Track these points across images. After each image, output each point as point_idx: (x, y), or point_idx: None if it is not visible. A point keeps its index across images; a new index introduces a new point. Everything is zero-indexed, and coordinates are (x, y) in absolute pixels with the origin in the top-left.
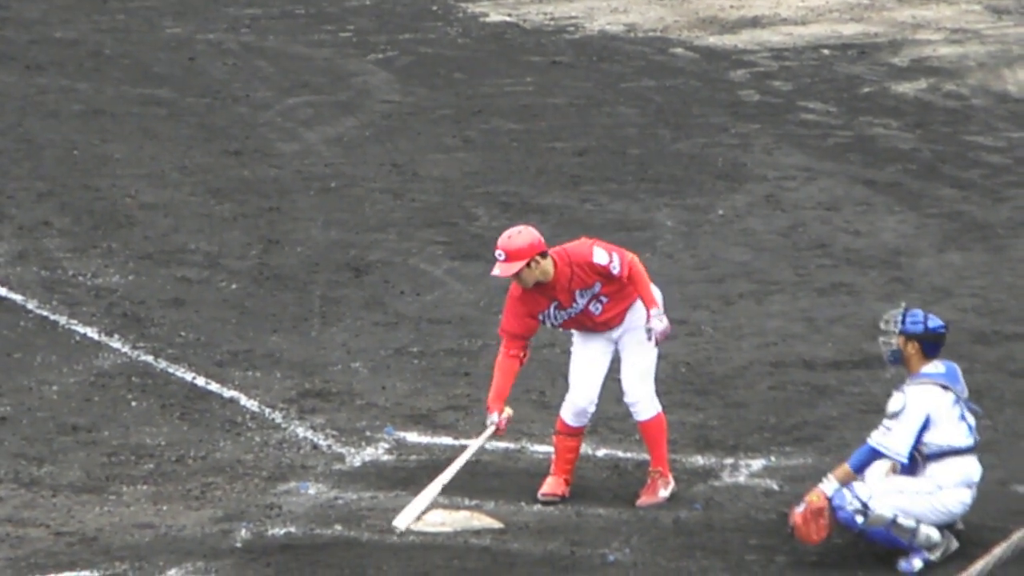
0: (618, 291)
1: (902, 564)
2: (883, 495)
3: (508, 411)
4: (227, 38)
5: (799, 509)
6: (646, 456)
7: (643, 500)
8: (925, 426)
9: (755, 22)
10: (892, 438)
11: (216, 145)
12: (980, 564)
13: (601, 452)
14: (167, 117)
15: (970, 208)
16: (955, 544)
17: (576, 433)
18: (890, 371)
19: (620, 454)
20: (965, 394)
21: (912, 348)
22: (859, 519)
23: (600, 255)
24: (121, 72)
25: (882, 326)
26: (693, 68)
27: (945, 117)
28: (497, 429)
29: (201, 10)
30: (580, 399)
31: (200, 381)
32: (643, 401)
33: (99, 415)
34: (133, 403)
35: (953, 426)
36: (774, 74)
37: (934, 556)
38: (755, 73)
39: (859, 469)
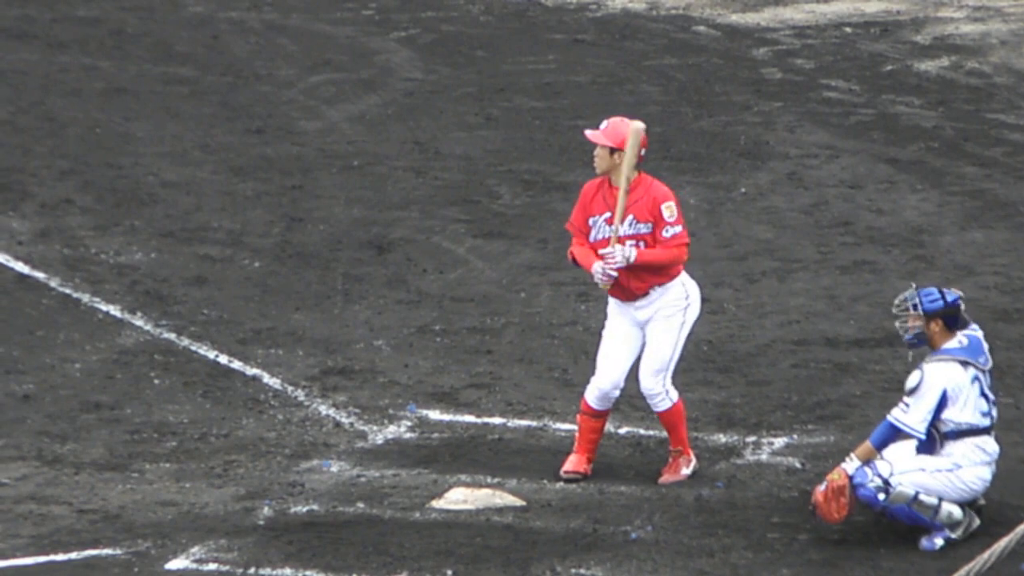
0: None
1: (924, 542)
2: (904, 472)
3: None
4: (250, 16)
5: (820, 488)
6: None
7: (665, 478)
8: (943, 403)
9: (777, 0)
10: (909, 415)
11: (239, 123)
12: (1003, 543)
13: (623, 430)
14: (189, 95)
15: (992, 186)
16: (977, 522)
17: (600, 415)
18: (911, 355)
19: (642, 432)
20: (989, 365)
21: (936, 326)
22: (881, 496)
23: (672, 209)
24: (143, 50)
25: (896, 311)
26: (715, 46)
27: (967, 95)
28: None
29: None
30: (604, 383)
31: (223, 359)
32: (659, 395)
33: (122, 393)
34: (156, 381)
35: (972, 404)
36: (796, 52)
37: (956, 534)
38: (777, 51)
39: (880, 446)
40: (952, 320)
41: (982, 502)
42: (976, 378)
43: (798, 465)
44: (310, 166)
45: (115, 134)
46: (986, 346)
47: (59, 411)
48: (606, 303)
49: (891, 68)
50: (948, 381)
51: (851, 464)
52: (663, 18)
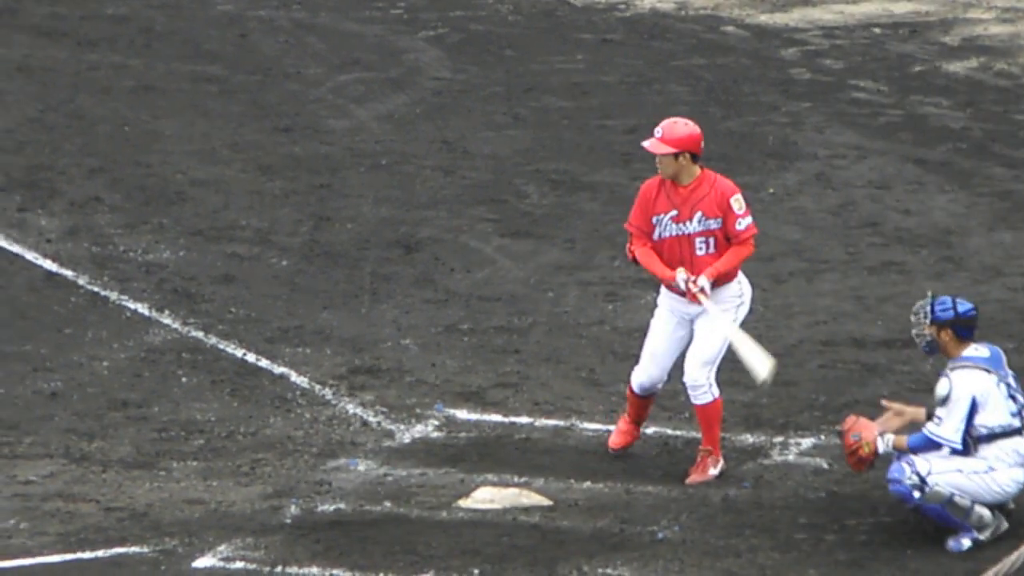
0: (723, 249)
1: (951, 543)
2: (941, 473)
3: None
4: (278, 15)
5: (850, 437)
6: (696, 434)
7: (693, 478)
8: (973, 409)
9: (806, 0)
10: (943, 426)
11: (267, 122)
12: None
13: (651, 430)
14: (218, 94)
15: (1021, 187)
16: (1005, 525)
17: (646, 398)
18: (930, 361)
19: (670, 432)
20: (1009, 378)
21: (946, 335)
22: (916, 494)
23: (740, 202)
24: (172, 48)
25: (913, 319)
26: (744, 46)
27: (996, 96)
28: (690, 288)
29: None
30: (646, 377)
31: (250, 357)
32: (702, 387)
33: (149, 391)
34: (183, 379)
35: (1001, 407)
36: (825, 52)
37: (983, 536)
38: (806, 51)
39: (914, 451)
40: (964, 331)
41: (1011, 505)
42: (1000, 381)
43: (825, 466)
44: (338, 165)
45: (144, 132)
46: (1005, 360)
47: (87, 409)
48: (656, 296)
49: (920, 69)
50: (976, 387)
51: (883, 443)
52: (692, 18)
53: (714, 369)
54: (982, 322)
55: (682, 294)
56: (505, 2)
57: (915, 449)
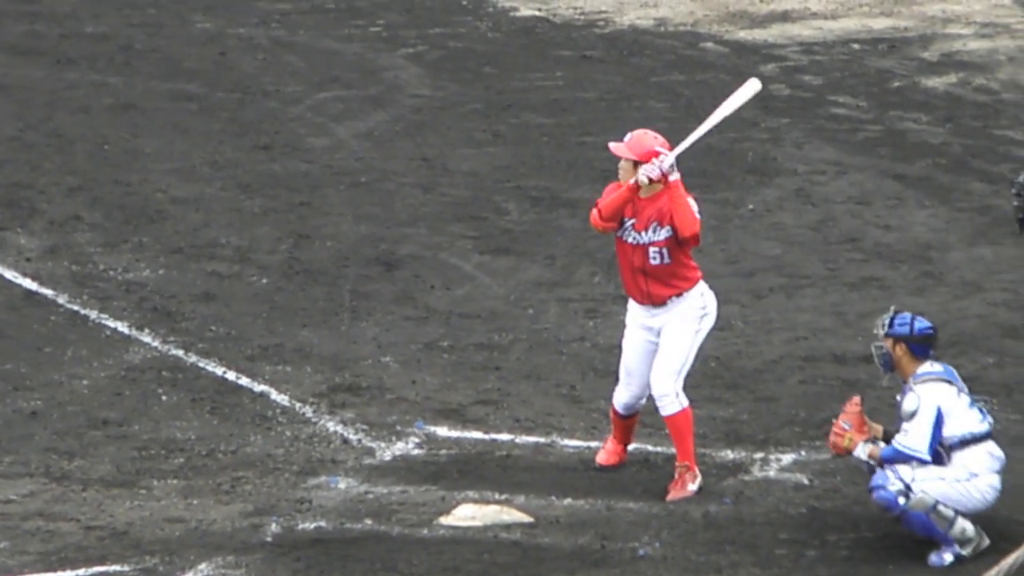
0: (678, 257)
1: (933, 558)
2: (925, 480)
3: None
4: (257, 33)
5: (843, 424)
6: (675, 450)
7: (672, 495)
8: (939, 421)
9: (785, 16)
10: (910, 437)
11: (246, 140)
12: (1010, 559)
13: (631, 446)
14: (197, 112)
15: (1000, 202)
16: (987, 541)
17: (629, 417)
18: (886, 379)
19: (650, 448)
20: (965, 391)
21: (900, 350)
22: (901, 500)
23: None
24: (152, 67)
25: (873, 331)
26: (723, 62)
27: (975, 111)
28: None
29: (231, 5)
30: (627, 395)
31: (231, 375)
32: (668, 396)
33: (130, 409)
34: (163, 397)
35: (967, 415)
36: (804, 68)
37: (966, 551)
38: (785, 67)
39: (886, 463)
40: (919, 348)
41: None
42: (960, 392)
43: (806, 481)
44: (318, 183)
45: (123, 151)
46: (957, 375)
47: (67, 428)
48: (624, 310)
49: (899, 84)
50: (940, 399)
51: (862, 448)
52: (671, 34)
53: (680, 379)
54: (962, 337)
55: (643, 301)
56: (484, 19)
57: (887, 461)
